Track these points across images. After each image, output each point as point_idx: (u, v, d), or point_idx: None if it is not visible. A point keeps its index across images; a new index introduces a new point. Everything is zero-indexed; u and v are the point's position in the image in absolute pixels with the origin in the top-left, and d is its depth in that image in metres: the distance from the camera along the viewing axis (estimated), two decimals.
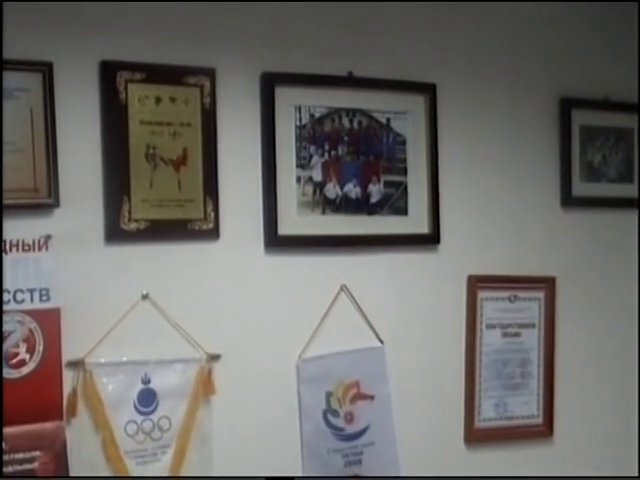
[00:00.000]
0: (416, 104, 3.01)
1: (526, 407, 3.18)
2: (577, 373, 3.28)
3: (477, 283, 3.09)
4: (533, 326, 3.19)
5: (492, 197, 3.16)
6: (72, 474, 2.46)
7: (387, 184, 2.97)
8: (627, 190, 3.39)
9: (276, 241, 2.80)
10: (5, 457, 2.38)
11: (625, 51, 3.37)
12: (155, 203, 2.63)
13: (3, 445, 2.38)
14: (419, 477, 2.96)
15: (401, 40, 3.00)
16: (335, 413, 2.87)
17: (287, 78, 2.81)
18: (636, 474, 3.27)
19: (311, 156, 2.87)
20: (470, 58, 3.12)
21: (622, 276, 3.39)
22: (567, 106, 3.26)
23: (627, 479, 3.27)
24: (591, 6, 3.29)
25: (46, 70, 2.48)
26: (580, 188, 3.29)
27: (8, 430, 2.38)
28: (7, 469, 2.38)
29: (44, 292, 2.48)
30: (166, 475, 2.61)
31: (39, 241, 2.47)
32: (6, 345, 2.43)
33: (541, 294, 3.20)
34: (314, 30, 2.88)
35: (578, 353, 3.29)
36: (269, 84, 2.78)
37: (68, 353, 2.50)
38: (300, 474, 2.82)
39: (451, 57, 3.09)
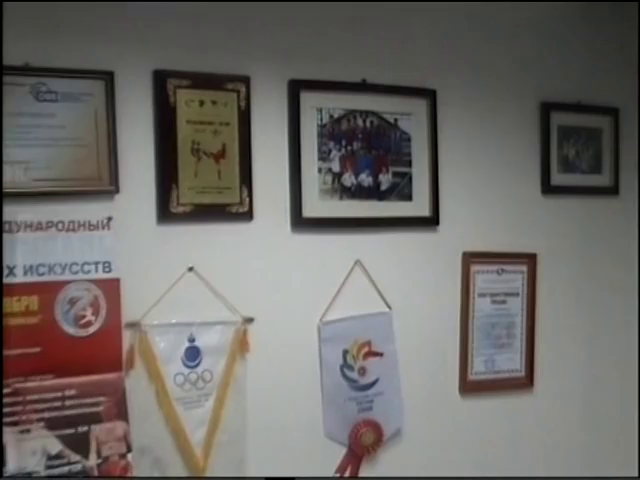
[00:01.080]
0: (419, 107, 2.99)
1: (511, 363, 3.17)
2: (554, 334, 3.25)
3: (470, 258, 3.08)
4: (517, 295, 3.18)
5: (484, 185, 3.15)
6: (130, 418, 2.47)
7: (395, 174, 2.96)
8: (596, 180, 3.37)
9: (301, 222, 2.79)
10: (75, 401, 2.40)
11: (596, 61, 3.34)
12: (199, 190, 2.63)
13: (73, 392, 2.40)
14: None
15: (407, 51, 2.98)
16: (350, 367, 2.87)
17: (310, 84, 2.80)
18: (636, 474, 3.25)
19: (330, 150, 2.86)
20: (466, 67, 3.09)
21: (593, 252, 3.36)
22: (546, 109, 3.24)
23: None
24: (569, 21, 3.28)
25: (108, 78, 2.49)
26: (557, 178, 3.27)
27: (78, 379, 2.40)
28: (76, 411, 2.41)
29: (106, 265, 2.49)
30: (208, 417, 2.63)
31: (102, 222, 2.48)
32: (75, 309, 2.44)
33: (524, 268, 3.18)
34: (333, 43, 2.85)
35: (555, 317, 3.26)
36: (295, 89, 2.78)
37: (127, 316, 2.51)
38: (321, 420, 2.84)
39: (450, 66, 3.06)
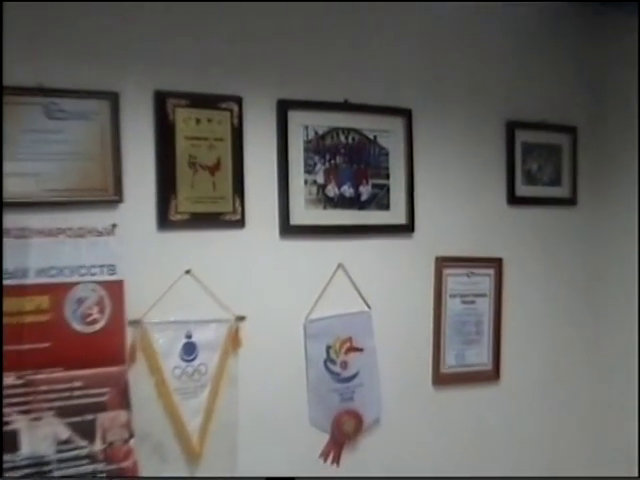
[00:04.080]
0: (396, 124, 3.00)
1: (479, 357, 3.17)
2: (518, 331, 3.26)
3: (443, 262, 3.09)
4: (485, 296, 3.19)
5: (455, 196, 3.15)
6: (132, 407, 2.47)
7: (374, 186, 2.97)
8: (557, 192, 3.37)
9: (288, 229, 2.79)
10: (82, 392, 2.40)
11: (558, 81, 3.35)
12: (195, 200, 2.63)
13: (80, 383, 2.41)
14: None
15: (385, 73, 2.99)
16: (333, 362, 2.87)
17: (298, 104, 2.80)
18: (636, 474, 3.18)
19: (315, 164, 2.86)
20: (439, 88, 3.10)
21: (554, 257, 3.36)
22: (512, 127, 3.25)
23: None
24: (532, 43, 3.28)
25: (113, 98, 2.49)
26: (521, 190, 3.28)
27: (84, 372, 2.39)
28: (83, 401, 2.41)
29: (111, 268, 2.48)
30: (203, 407, 2.63)
31: (107, 228, 2.48)
32: (83, 308, 2.43)
33: (491, 271, 3.19)
34: (318, 67, 2.87)
35: (519, 316, 3.27)
36: (283, 108, 2.78)
37: (129, 314, 2.51)
38: (307, 409, 2.83)
39: (424, 88, 3.07)
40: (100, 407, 2.42)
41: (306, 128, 2.84)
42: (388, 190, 3.00)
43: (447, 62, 3.12)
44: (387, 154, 2.99)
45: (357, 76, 2.94)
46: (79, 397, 2.40)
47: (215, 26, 2.68)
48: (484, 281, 3.18)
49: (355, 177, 2.93)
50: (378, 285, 2.97)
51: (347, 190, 2.92)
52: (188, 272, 2.61)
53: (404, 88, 3.02)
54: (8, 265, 2.31)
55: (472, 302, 3.17)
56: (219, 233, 2.68)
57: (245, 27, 2.73)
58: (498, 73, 3.21)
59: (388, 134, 2.99)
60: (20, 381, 2.32)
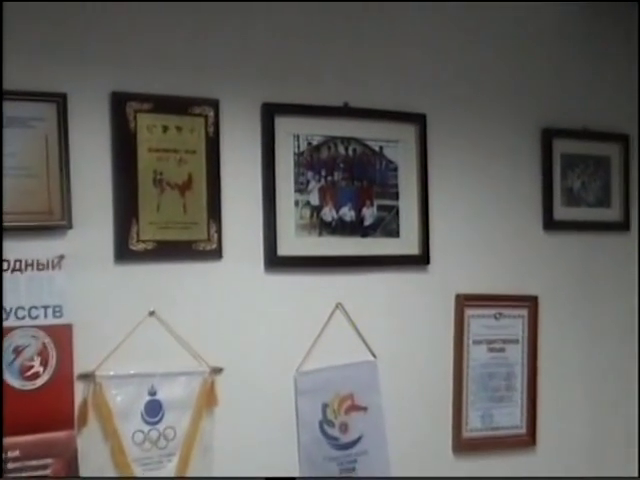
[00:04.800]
0: (407, 133, 3.01)
1: (510, 418, 3.16)
2: (558, 386, 3.27)
3: (465, 301, 3.09)
4: (517, 342, 3.18)
5: (479, 220, 3.17)
6: None
7: (380, 208, 2.98)
8: (605, 214, 3.39)
9: (275, 261, 2.80)
10: (19, 464, 2.38)
11: (603, 82, 3.39)
12: (162, 225, 2.64)
13: (17, 453, 2.37)
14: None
15: (393, 72, 3.02)
16: (330, 423, 2.86)
17: (286, 108, 2.81)
18: (636, 474, 3.27)
19: (308, 181, 2.87)
20: (458, 90, 3.13)
21: (600, 294, 3.38)
22: (548, 136, 3.26)
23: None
24: (569, 44, 3.33)
25: (60, 101, 2.49)
26: (561, 212, 3.29)
27: (23, 438, 2.38)
28: (22, 474, 2.38)
29: (57, 309, 2.47)
30: None
31: (53, 261, 2.47)
32: (21, 358, 2.42)
33: (524, 312, 3.19)
34: (312, 62, 2.89)
35: (559, 367, 3.27)
36: (269, 114, 2.79)
37: (79, 366, 2.50)
38: None
39: (440, 88, 3.10)
40: (31, 476, 2.40)
41: (297, 138, 2.85)
42: (397, 213, 3.01)
43: (468, 57, 3.15)
44: (396, 169, 3.00)
45: (359, 75, 2.96)
46: (15, 470, 2.38)
47: (185, 15, 2.70)
48: (516, 324, 3.18)
49: (357, 197, 2.95)
50: (385, 329, 2.97)
51: (347, 213, 2.93)
52: (152, 314, 2.61)
53: (416, 89, 3.06)
54: None
55: (501, 350, 3.16)
56: (191, 266, 2.69)
57: (222, 17, 2.75)
58: (531, 73, 3.26)
59: (397, 145, 3.00)
60: None
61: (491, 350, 3.14)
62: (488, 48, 3.18)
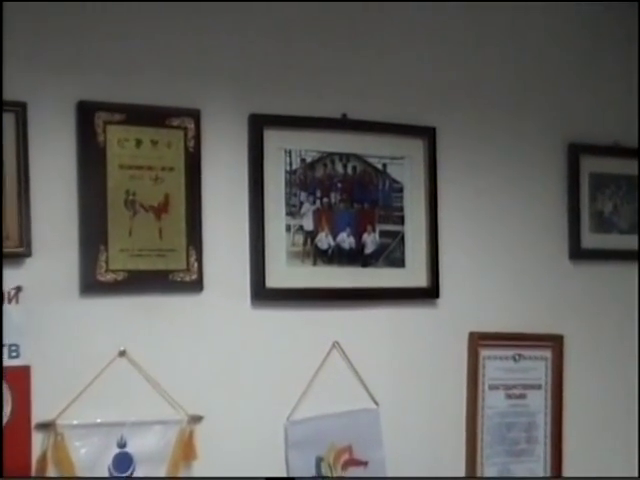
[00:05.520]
0: (414, 149, 3.04)
1: (532, 474, 3.17)
2: (587, 438, 3.27)
3: (479, 341, 3.10)
4: (539, 387, 3.20)
5: (495, 248, 3.19)
6: None
7: (383, 234, 3.00)
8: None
9: (264, 294, 2.81)
10: None
11: (636, 94, 3.41)
12: (134, 253, 2.65)
13: None
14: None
15: (398, 80, 3.05)
16: None
17: (276, 120, 2.83)
18: (636, 474, 3.28)
19: (302, 203, 2.89)
20: (472, 100, 3.16)
21: (635, 332, 3.39)
22: (575, 152, 3.29)
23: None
24: (599, 48, 3.37)
25: (19, 110, 2.49)
26: (590, 239, 3.31)
27: None
28: None
29: (13, 348, 2.46)
30: None
31: (9, 293, 2.46)
32: None
33: (548, 353, 3.20)
34: (306, 69, 2.93)
35: (588, 416, 3.28)
36: (257, 126, 2.81)
37: (38, 414, 2.49)
38: None
39: (452, 99, 3.12)
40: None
41: (289, 153, 2.87)
42: (403, 239, 3.03)
43: (483, 65, 3.20)
44: (401, 190, 3.03)
45: (359, 83, 2.99)
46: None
47: (163, 16, 2.72)
48: (538, 367, 3.19)
49: (357, 222, 2.97)
50: (389, 372, 2.99)
51: (346, 240, 2.95)
52: (123, 354, 2.61)
53: (425, 100, 3.09)
54: None
55: (521, 397, 3.17)
56: (167, 299, 2.70)
57: (204, 17, 2.78)
58: (555, 80, 3.30)
59: (403, 162, 3.03)
60: None
61: (509, 397, 3.15)
62: (505, 52, 3.23)
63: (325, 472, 2.86)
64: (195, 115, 2.73)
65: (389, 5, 3.02)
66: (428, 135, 3.05)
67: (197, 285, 2.72)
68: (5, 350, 2.46)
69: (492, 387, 3.13)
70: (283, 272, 2.84)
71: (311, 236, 2.90)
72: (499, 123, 3.20)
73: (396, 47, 3.05)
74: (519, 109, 3.24)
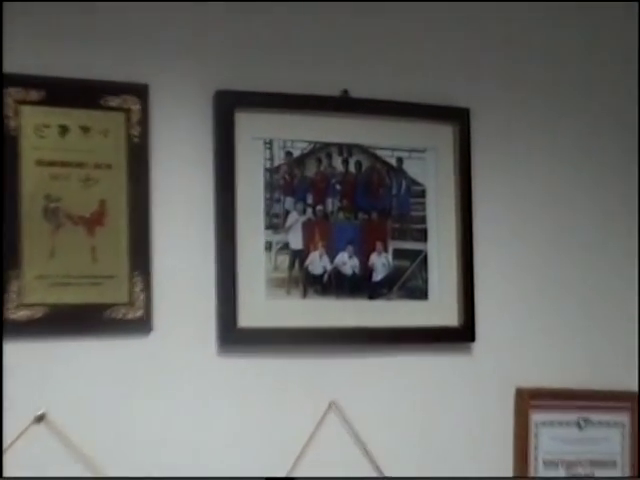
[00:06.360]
0: (441, 138, 3.06)
1: None
2: None
3: (530, 400, 3.11)
4: (613, 465, 3.20)
5: (551, 274, 3.21)
6: None
7: (398, 254, 3.00)
8: None
9: (235, 336, 2.82)
10: None
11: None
12: (58, 280, 2.66)
13: None
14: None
15: (417, 45, 3.10)
16: None
17: (252, 99, 2.86)
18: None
19: (287, 213, 2.91)
20: (519, 73, 3.22)
21: None
22: None
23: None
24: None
25: None
26: None
27: None
28: None
29: None
30: None
31: None
32: None
33: (624, 417, 3.21)
34: (292, 33, 2.96)
35: None
36: (226, 108, 2.83)
37: None
38: None
39: (489, 69, 3.18)
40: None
41: (269, 144, 2.90)
42: (425, 262, 3.05)
43: (534, 21, 3.25)
44: (423, 193, 3.06)
45: (366, 52, 3.03)
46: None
47: None
48: (611, 436, 3.19)
49: (362, 237, 2.98)
50: (403, 441, 3.01)
51: (347, 262, 2.96)
52: (41, 418, 2.63)
53: (454, 72, 3.13)
54: None
55: (589, 478, 3.17)
56: (103, 343, 2.71)
57: None
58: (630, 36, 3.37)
59: (425, 156, 3.05)
60: None
61: (572, 475, 3.16)
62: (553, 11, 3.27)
63: None
64: (141, 93, 2.76)
65: None
66: (460, 119, 3.07)
67: (144, 324, 2.74)
68: None
69: (548, 463, 3.13)
70: (261, 307, 2.86)
71: (300, 257, 2.91)
72: (556, 100, 3.26)
73: (415, 6, 3.07)
74: (585, 76, 3.31)
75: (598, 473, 3.17)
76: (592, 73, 3.31)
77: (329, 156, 2.93)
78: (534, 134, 3.20)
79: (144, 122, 2.74)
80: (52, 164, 2.66)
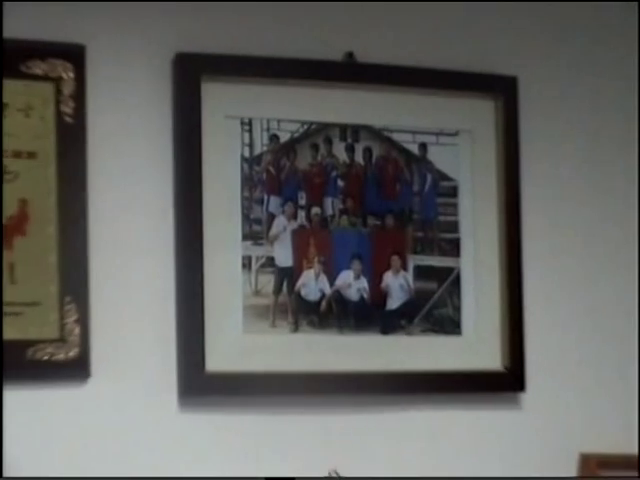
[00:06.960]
0: (479, 117, 3.09)
1: None
2: None
3: (597, 469, 3.09)
4: None
5: (627, 300, 3.18)
6: None
7: (421, 272, 2.99)
8: None
9: (201, 385, 2.81)
10: None
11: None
12: None
13: None
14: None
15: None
16: None
17: (224, 64, 2.85)
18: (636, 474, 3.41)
19: (272, 217, 2.89)
20: (579, 36, 3.31)
21: None
22: None
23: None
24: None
25: None
26: None
27: None
28: None
29: None
30: None
31: None
32: None
33: None
34: None
35: None
36: (190, 76, 2.82)
37: None
38: None
39: (541, 33, 3.26)
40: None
41: (248, 125, 2.90)
42: (458, 283, 3.03)
43: None
44: (454, 191, 3.04)
45: (376, 5, 3.05)
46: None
47: None
48: None
49: (373, 250, 2.95)
50: None
51: (352, 284, 2.95)
52: None
53: (494, 32, 3.20)
54: None
55: None
56: (24, 393, 2.68)
57: None
58: None
59: (456, 140, 3.04)
60: None
61: None
62: None
63: None
64: (76, 56, 2.74)
65: None
66: (503, 91, 3.09)
67: (79, 368, 2.72)
68: None
69: None
70: (237, 344, 2.85)
71: (289, 278, 2.90)
72: (618, 71, 3.36)
73: None
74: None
75: None
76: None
77: (328, 141, 2.88)
78: (585, 104, 3.25)
79: (79, 96, 2.69)
80: None
